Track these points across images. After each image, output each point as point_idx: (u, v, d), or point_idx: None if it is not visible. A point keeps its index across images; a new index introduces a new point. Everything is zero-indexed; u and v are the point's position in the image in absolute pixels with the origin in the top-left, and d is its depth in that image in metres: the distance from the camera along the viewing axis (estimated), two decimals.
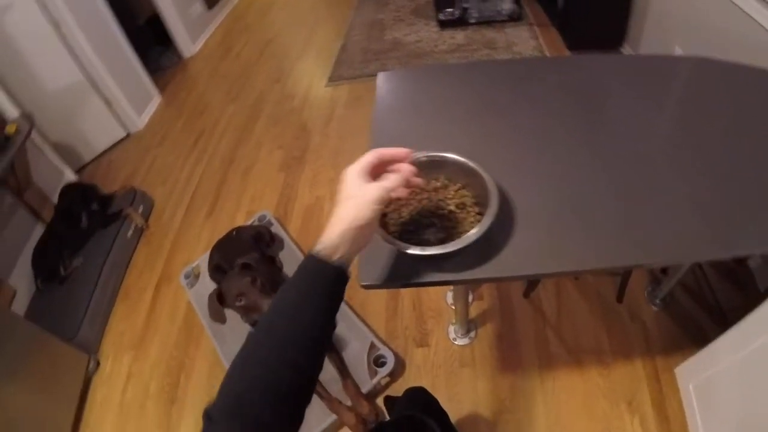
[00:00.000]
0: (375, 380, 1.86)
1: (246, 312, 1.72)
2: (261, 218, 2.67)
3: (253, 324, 1.71)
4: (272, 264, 2.13)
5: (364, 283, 1.02)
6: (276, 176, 3.01)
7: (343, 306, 1.89)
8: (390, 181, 0.69)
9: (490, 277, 1.02)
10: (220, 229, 2.73)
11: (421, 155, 1.07)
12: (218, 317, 1.70)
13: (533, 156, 1.24)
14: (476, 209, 1.04)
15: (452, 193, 1.10)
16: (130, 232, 2.82)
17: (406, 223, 1.05)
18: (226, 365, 2.06)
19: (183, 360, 2.34)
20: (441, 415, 1.17)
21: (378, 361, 1.94)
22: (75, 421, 2.23)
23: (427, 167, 1.07)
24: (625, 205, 1.08)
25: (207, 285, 2.43)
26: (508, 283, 2.03)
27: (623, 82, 1.45)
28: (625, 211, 1.07)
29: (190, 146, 3.48)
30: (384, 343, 2.01)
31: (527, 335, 1.89)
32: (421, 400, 1.24)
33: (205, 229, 2.86)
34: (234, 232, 2.34)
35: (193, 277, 2.52)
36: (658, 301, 1.91)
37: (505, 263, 0.99)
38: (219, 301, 1.72)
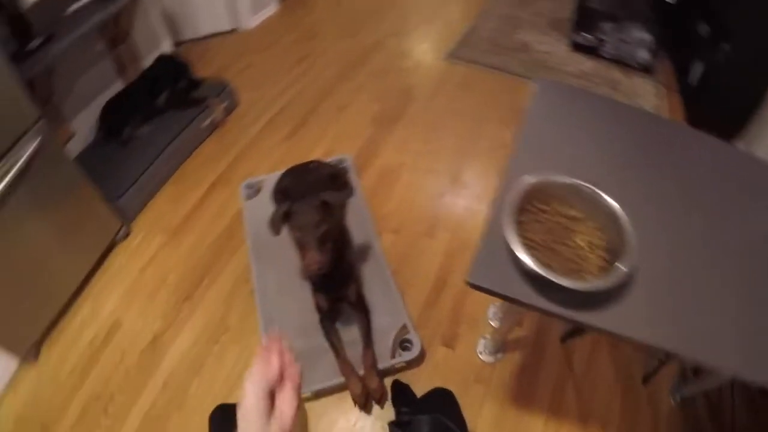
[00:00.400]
0: (394, 361, 1.79)
1: (301, 243, 1.60)
2: (340, 161, 2.53)
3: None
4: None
5: (472, 282, 1.00)
6: (366, 126, 2.87)
7: (387, 274, 1.93)
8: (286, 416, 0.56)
9: (597, 326, 1.01)
10: (294, 155, 2.64)
11: (569, 179, 1.08)
12: (276, 228, 1.62)
13: (670, 222, 1.22)
14: (604, 254, 1.03)
15: (588, 229, 1.09)
16: (205, 123, 2.73)
17: (532, 239, 1.04)
18: (256, 285, 1.99)
19: (212, 264, 2.25)
20: (464, 426, 1.13)
21: (403, 344, 1.85)
22: (85, 279, 2.17)
23: (570, 192, 1.09)
24: (735, 303, 1.06)
25: (264, 203, 2.31)
26: (552, 321, 1.90)
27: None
28: (734, 309, 1.06)
29: (292, 64, 3.36)
30: (415, 328, 1.89)
31: (548, 378, 1.82)
32: (450, 405, 1.19)
33: (279, 149, 2.74)
34: (313, 164, 2.20)
35: (255, 190, 2.41)
36: (678, 398, 1.77)
37: (613, 316, 0.98)
38: (284, 218, 1.60)
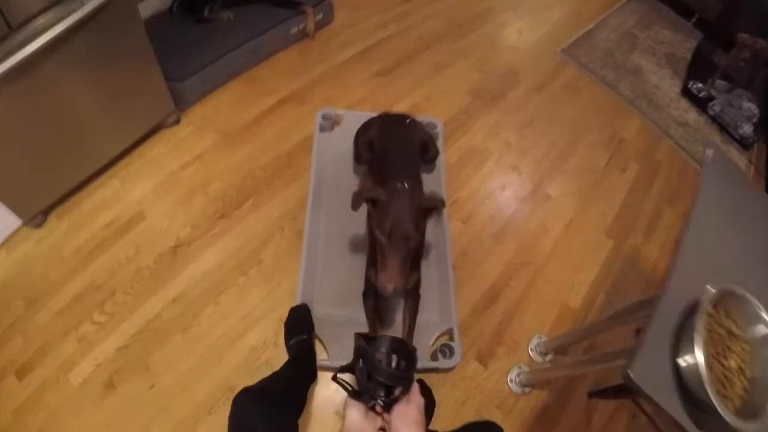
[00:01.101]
0: (430, 365, 1.64)
1: (383, 250, 1.36)
2: (430, 125, 2.24)
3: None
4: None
5: (633, 377, 0.88)
6: (462, 95, 2.57)
7: (449, 267, 1.84)
8: None
9: None
10: (380, 98, 2.39)
11: (743, 292, 1.01)
12: (356, 206, 1.42)
13: None
14: (747, 385, 0.97)
15: (742, 351, 1.01)
16: (294, 30, 2.42)
17: None
18: (307, 229, 1.77)
19: (262, 187, 2.01)
20: None
21: (442, 348, 1.66)
22: (119, 156, 1.96)
23: (737, 305, 1.02)
24: None
25: (338, 140, 2.10)
26: (586, 372, 1.78)
27: None
28: None
29: (397, 1, 2.99)
30: (459, 337, 1.70)
31: (565, 427, 1.69)
32: None
33: (365, 87, 2.45)
34: (409, 121, 1.92)
35: (331, 123, 2.14)
36: None
37: None
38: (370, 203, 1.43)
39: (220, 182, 1.98)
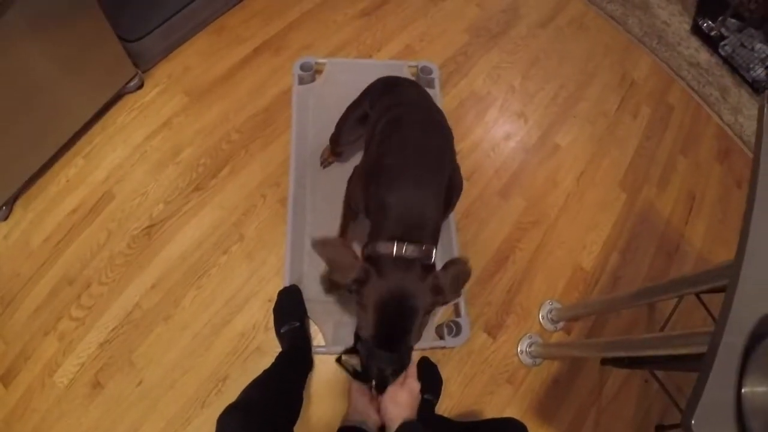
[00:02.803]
0: (437, 343, 1.53)
1: None
2: (425, 70, 1.97)
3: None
4: None
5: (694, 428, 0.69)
6: (459, 33, 2.28)
7: (453, 234, 1.67)
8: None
9: None
10: (367, 41, 2.15)
11: None
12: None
13: None
14: None
15: None
16: None
17: None
18: (291, 196, 1.65)
19: (238, 152, 1.82)
20: None
21: (449, 324, 1.53)
22: (80, 131, 1.75)
23: None
24: None
25: (321, 92, 1.87)
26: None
27: None
28: None
29: None
30: (467, 311, 1.58)
31: (575, 399, 1.63)
32: None
33: (349, 28, 2.16)
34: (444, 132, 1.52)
35: (311, 74, 1.89)
36: None
37: None
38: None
39: (192, 149, 1.79)
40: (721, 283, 0.97)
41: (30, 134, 1.56)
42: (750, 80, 2.72)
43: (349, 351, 0.96)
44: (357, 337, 0.96)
